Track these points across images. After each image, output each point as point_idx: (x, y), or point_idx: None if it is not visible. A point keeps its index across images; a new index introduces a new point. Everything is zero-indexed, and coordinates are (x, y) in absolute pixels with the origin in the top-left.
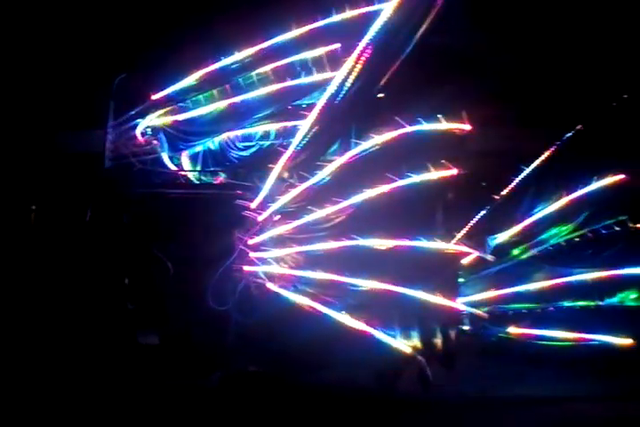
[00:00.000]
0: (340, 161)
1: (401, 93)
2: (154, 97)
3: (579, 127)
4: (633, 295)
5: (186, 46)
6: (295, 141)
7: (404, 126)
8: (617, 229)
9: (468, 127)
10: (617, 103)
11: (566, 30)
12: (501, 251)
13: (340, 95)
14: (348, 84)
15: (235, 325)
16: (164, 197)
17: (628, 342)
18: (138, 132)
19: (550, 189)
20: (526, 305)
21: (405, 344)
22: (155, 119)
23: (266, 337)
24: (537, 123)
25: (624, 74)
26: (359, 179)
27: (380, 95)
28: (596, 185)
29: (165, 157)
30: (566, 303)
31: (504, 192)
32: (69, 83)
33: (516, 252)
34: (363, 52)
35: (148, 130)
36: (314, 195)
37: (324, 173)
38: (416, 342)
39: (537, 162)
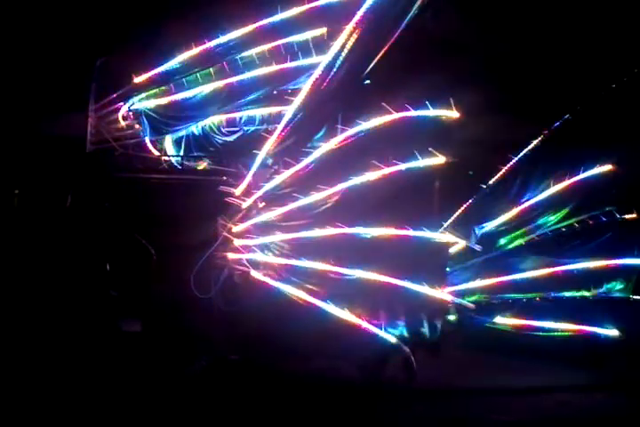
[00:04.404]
0: (325, 147)
1: (389, 79)
2: (136, 80)
3: (567, 117)
4: (619, 286)
5: (169, 29)
6: (280, 127)
7: (391, 113)
8: (604, 219)
9: (455, 114)
10: (605, 93)
11: (556, 19)
12: (488, 240)
13: (327, 80)
14: (334, 69)
15: (218, 312)
16: (146, 183)
17: (614, 332)
18: (120, 115)
19: (538, 179)
20: (512, 295)
21: (391, 334)
22: (137, 103)
23: (249, 326)
24: (526, 111)
25: (613, 63)
26: (345, 166)
27: (368, 81)
28: (583, 176)
29: (148, 141)
30: (552, 294)
31: (492, 181)
32: (50, 66)
33: (503, 241)
34: (350, 36)
35: (131, 114)
36: (299, 182)
37: (309, 160)
38: (402, 331)
39: (525, 151)
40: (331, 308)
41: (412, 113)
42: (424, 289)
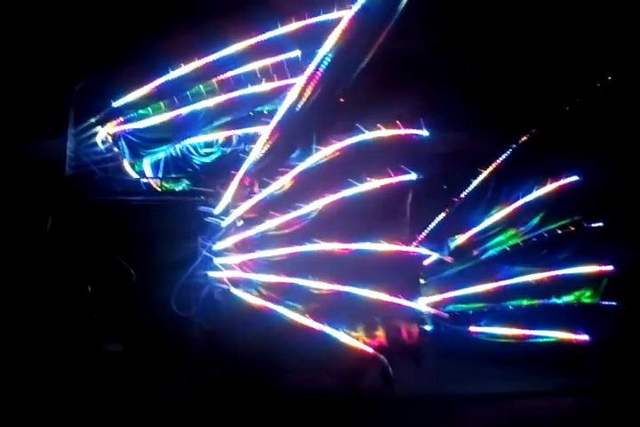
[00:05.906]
0: (301, 167)
1: (361, 100)
2: (114, 104)
3: (533, 131)
4: (588, 293)
5: (146, 54)
6: (257, 148)
7: (363, 132)
8: (571, 229)
9: (425, 133)
10: (570, 107)
11: (522, 36)
12: (461, 252)
13: (301, 102)
14: (308, 90)
15: (199, 330)
16: (126, 205)
17: (583, 337)
18: (98, 139)
19: (507, 191)
20: (486, 304)
21: (368, 345)
22: (115, 127)
23: (230, 342)
24: (494, 126)
25: (578, 78)
26: (320, 184)
27: (341, 100)
28: (550, 187)
29: (127, 164)
30: (525, 302)
31: (463, 195)
32: (29, 91)
33: (475, 253)
34: (323, 58)
35: (109, 137)
36: (276, 200)
37: (285, 179)
38: (379, 342)
39: (494, 165)
40: (310, 322)
41: (384, 132)
42: (399, 301)
